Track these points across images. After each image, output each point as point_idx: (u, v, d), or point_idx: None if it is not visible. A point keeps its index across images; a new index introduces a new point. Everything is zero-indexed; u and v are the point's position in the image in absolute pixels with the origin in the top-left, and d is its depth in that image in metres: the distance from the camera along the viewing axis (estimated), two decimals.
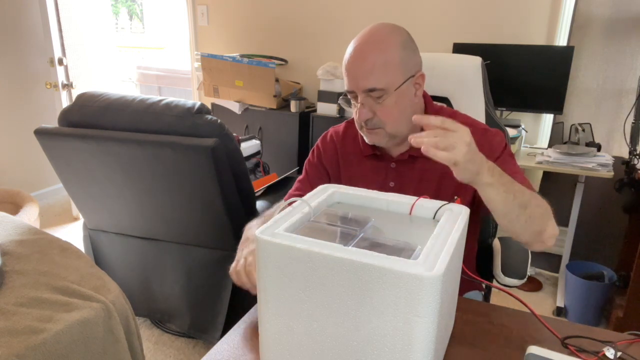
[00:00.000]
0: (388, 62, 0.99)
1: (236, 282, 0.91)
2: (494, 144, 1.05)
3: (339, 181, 1.19)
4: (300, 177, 1.27)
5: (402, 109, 1.03)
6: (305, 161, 1.27)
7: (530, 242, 0.94)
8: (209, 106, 2.80)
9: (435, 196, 1.05)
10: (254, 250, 0.92)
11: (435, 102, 1.15)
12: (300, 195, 1.17)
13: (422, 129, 1.04)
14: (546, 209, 0.92)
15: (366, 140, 1.10)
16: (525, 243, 0.95)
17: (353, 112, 1.08)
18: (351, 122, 1.21)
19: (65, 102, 3.02)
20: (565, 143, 2.32)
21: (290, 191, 1.25)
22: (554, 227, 0.94)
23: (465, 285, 1.20)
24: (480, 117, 1.35)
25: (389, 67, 0.99)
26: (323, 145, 1.23)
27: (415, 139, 0.76)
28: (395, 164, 1.12)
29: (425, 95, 1.12)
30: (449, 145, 0.75)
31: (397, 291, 0.56)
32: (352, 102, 1.06)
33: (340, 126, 1.23)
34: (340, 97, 1.10)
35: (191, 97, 3.69)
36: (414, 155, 1.08)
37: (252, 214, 1.86)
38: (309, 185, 1.21)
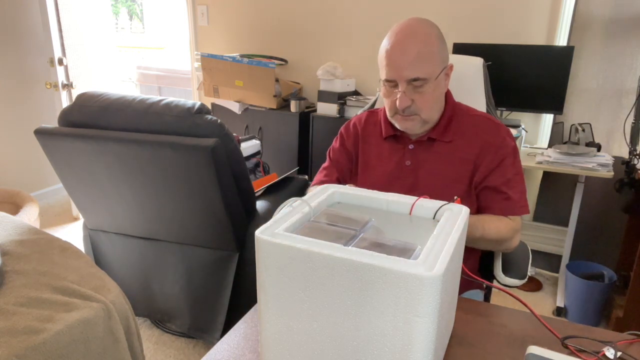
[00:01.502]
0: (429, 53, 1.05)
1: None
2: (506, 141, 1.14)
3: (357, 160, 1.27)
4: (325, 164, 1.33)
5: (437, 97, 1.11)
6: (329, 149, 1.33)
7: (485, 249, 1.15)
8: (209, 106, 2.81)
9: (447, 178, 1.14)
10: None
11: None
12: (329, 180, 1.28)
13: (441, 123, 1.15)
14: (499, 236, 1.08)
15: (398, 127, 1.15)
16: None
17: (384, 100, 1.14)
18: (373, 111, 1.29)
19: (65, 102, 3.02)
20: (565, 143, 2.32)
21: (319, 177, 1.31)
22: (511, 244, 1.13)
23: (466, 284, 1.21)
24: None
25: (431, 57, 1.05)
26: (346, 132, 1.30)
27: None
28: (413, 145, 1.18)
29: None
30: None
31: (397, 291, 0.56)
32: (387, 90, 1.10)
33: (363, 114, 1.30)
34: (379, 87, 1.15)
35: (191, 97, 3.69)
36: (433, 138, 1.16)
37: (252, 214, 1.86)
38: (334, 170, 1.29)
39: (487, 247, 1.15)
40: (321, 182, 1.29)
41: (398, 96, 1.07)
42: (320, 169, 1.34)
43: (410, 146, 1.18)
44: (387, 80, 1.09)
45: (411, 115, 1.10)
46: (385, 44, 1.08)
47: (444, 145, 1.16)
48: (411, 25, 1.06)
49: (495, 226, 1.08)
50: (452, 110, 1.17)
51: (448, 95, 1.19)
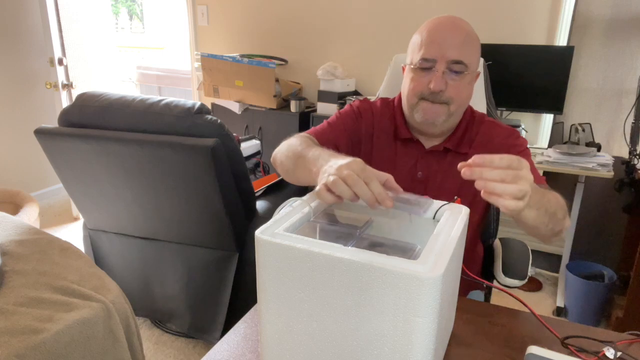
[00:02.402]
0: (476, 42, 1.01)
1: (326, 199, 0.71)
2: (519, 140, 1.08)
3: (366, 155, 1.12)
4: (330, 120, 1.16)
5: (469, 94, 1.05)
6: (339, 111, 1.18)
7: (549, 239, 0.93)
8: (209, 106, 2.80)
9: (458, 192, 1.05)
10: (345, 164, 0.72)
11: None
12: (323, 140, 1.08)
13: (457, 132, 1.07)
14: (564, 207, 0.91)
15: (419, 118, 1.05)
16: (542, 239, 0.94)
17: (408, 87, 1.04)
18: (386, 101, 1.17)
19: (65, 102, 3.01)
20: (565, 143, 2.32)
21: (317, 128, 1.15)
22: (569, 221, 0.93)
23: (468, 285, 1.20)
24: None
25: (476, 46, 1.01)
26: (363, 107, 1.16)
27: (476, 174, 0.68)
28: (427, 155, 1.11)
29: None
30: (518, 192, 0.67)
31: (397, 291, 0.56)
32: (417, 73, 1.01)
33: (376, 102, 1.18)
34: (412, 64, 1.04)
35: (191, 97, 3.69)
36: (448, 148, 1.09)
37: (252, 214, 1.86)
38: (332, 136, 1.11)
39: (548, 230, 0.88)
40: (315, 133, 1.12)
41: (434, 77, 0.98)
42: (327, 124, 1.15)
43: (424, 155, 1.11)
44: (424, 60, 0.99)
45: (440, 103, 1.01)
46: (426, 26, 1.02)
47: (458, 157, 1.07)
48: (456, 16, 1.03)
49: (555, 193, 0.91)
50: (469, 119, 1.11)
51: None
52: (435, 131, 1.08)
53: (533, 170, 1.01)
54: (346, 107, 1.18)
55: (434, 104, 1.01)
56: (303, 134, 1.10)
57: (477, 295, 1.25)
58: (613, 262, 2.39)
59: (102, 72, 3.41)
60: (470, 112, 1.12)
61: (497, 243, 1.32)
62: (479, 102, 1.36)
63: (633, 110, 2.20)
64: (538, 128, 2.50)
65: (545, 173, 2.50)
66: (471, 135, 1.10)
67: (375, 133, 1.14)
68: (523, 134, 2.38)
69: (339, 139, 1.12)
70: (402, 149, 1.12)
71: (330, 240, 0.63)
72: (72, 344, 1.03)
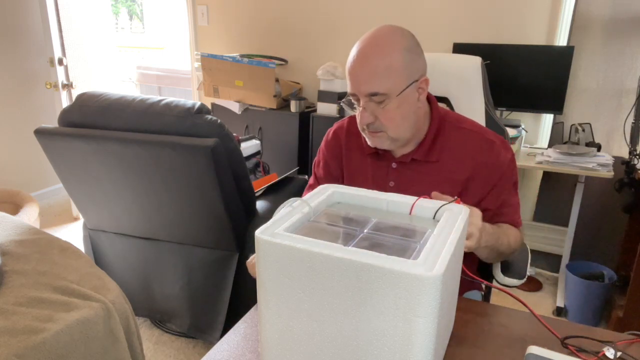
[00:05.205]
0: (390, 67, 0.97)
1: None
2: (500, 158, 1.07)
3: (343, 178, 1.22)
4: (310, 181, 1.29)
5: (405, 114, 1.02)
6: (314, 162, 1.29)
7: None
8: (209, 106, 2.80)
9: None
10: None
11: (440, 105, 1.14)
12: None
13: (425, 141, 1.09)
14: (514, 245, 1.08)
15: (369, 143, 1.10)
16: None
17: (356, 114, 1.07)
18: (354, 119, 1.20)
19: (65, 102, 3.01)
20: (565, 143, 2.32)
21: (311, 181, 1.28)
22: (517, 250, 1.13)
23: (465, 284, 1.20)
24: (480, 118, 1.35)
25: (392, 71, 0.97)
26: (326, 145, 1.25)
27: None
28: (397, 165, 1.12)
29: (430, 98, 1.11)
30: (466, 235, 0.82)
31: (397, 291, 0.56)
32: (355, 104, 1.05)
33: (344, 121, 1.23)
34: (343, 99, 1.08)
35: (191, 97, 3.69)
36: (416, 159, 1.09)
37: (252, 214, 1.86)
38: (324, 171, 1.24)
39: (498, 260, 1.16)
40: (312, 184, 1.26)
41: (359, 112, 1.02)
42: (307, 186, 1.29)
43: (393, 165, 1.12)
44: (350, 94, 1.03)
45: (378, 132, 1.03)
46: (350, 55, 1.02)
47: (428, 166, 1.09)
48: (376, 36, 0.99)
49: (514, 234, 1.09)
50: (439, 125, 1.09)
51: (433, 108, 1.10)
52: (394, 148, 1.11)
53: (508, 187, 1.09)
54: (323, 141, 1.27)
55: (373, 133, 1.05)
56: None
57: (474, 295, 1.25)
58: (613, 262, 2.39)
59: (102, 72, 3.41)
60: (439, 119, 1.10)
61: None
62: (478, 101, 1.36)
63: (633, 110, 2.20)
64: (538, 128, 2.50)
65: (546, 173, 2.50)
66: (442, 141, 1.09)
67: (344, 153, 1.20)
68: (523, 134, 2.38)
69: (329, 166, 1.23)
70: (373, 161, 1.15)
71: (330, 240, 0.63)
72: (72, 344, 1.03)
